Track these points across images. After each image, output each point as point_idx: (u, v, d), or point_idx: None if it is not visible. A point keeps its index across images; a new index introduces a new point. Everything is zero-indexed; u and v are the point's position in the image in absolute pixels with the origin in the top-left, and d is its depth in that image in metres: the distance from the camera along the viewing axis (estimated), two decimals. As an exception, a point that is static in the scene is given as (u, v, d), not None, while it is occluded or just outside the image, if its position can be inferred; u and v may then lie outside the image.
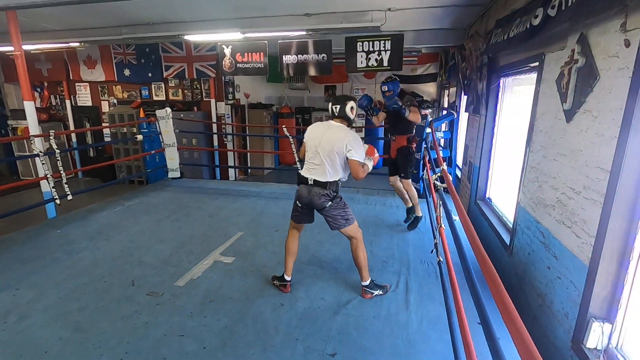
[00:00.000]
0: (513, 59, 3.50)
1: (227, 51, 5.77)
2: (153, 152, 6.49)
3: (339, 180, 2.63)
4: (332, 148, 2.51)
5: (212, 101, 7.83)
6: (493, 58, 4.12)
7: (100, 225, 4.16)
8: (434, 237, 2.69)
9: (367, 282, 2.73)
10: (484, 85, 4.23)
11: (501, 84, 4.09)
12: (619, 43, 1.77)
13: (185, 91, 7.97)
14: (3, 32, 4.76)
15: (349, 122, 2.66)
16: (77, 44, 6.30)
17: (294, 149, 5.89)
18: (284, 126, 5.97)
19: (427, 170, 4.15)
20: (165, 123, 5.85)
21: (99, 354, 2.13)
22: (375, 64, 5.32)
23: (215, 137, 7.99)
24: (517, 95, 3.86)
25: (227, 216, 4.50)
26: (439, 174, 2.46)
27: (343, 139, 2.49)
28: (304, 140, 2.72)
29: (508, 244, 3.27)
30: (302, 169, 2.71)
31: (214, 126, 8.00)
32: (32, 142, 4.17)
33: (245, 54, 5.74)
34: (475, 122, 4.81)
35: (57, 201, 4.27)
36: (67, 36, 6.02)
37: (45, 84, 8.56)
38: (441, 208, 2.38)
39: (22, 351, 2.15)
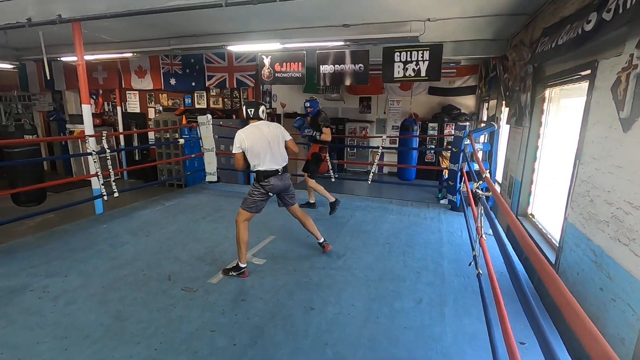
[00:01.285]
0: (561, 67, 3.34)
1: (267, 61, 5.97)
2: (193, 156, 6.78)
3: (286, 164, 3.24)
4: (279, 139, 3.15)
5: (250, 110, 8.07)
6: (538, 68, 3.96)
7: (142, 222, 4.37)
8: (473, 249, 2.58)
9: (322, 239, 3.54)
10: (528, 96, 4.06)
11: (547, 94, 3.90)
12: (686, 45, 1.64)
13: (225, 100, 8.30)
14: (68, 44, 5.22)
15: (262, 120, 3.21)
16: (131, 55, 6.81)
17: (327, 157, 5.92)
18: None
19: (464, 182, 4.03)
20: (206, 129, 6.11)
21: (135, 342, 2.21)
22: (412, 74, 5.28)
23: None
24: (564, 106, 3.67)
25: (260, 220, 4.56)
26: (480, 182, 2.37)
27: (277, 128, 3.19)
28: (246, 147, 3.05)
29: (553, 262, 3.06)
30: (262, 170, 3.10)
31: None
32: (86, 141, 4.50)
33: (284, 63, 5.90)
34: (518, 135, 4.61)
35: (105, 197, 4.55)
36: (122, 47, 6.52)
37: (100, 92, 9.26)
38: (482, 218, 2.28)
39: (67, 333, 2.28)
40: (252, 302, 2.68)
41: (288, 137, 3.23)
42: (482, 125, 7.60)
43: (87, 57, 5.82)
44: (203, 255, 3.48)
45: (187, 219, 4.58)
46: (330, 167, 6.04)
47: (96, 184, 4.59)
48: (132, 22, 5.00)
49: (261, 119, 3.17)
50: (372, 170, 6.00)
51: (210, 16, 4.71)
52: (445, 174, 8.07)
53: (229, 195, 5.83)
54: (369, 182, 5.94)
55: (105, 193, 4.57)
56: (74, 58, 4.76)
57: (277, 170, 3.11)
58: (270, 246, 3.74)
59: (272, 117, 8.78)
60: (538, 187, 4.06)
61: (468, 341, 2.27)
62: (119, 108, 9.09)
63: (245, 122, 3.24)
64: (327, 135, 4.61)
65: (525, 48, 4.21)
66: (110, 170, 4.66)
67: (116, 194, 4.69)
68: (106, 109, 9.41)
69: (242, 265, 3.06)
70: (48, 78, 6.83)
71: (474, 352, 2.17)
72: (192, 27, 5.48)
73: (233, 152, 3.11)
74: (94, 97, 9.25)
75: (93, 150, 4.45)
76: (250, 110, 3.15)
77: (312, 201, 5.13)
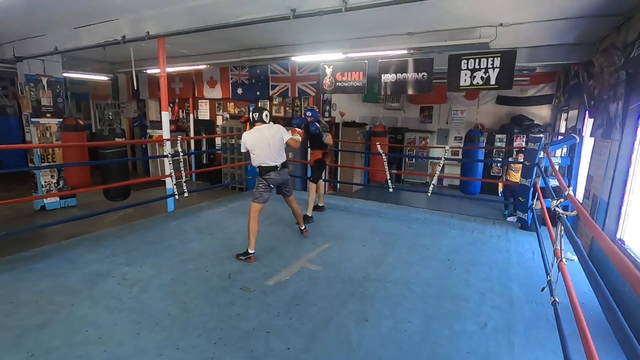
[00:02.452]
0: (664, 73, 2.91)
1: (329, 70, 6.08)
2: (254, 161, 7.11)
3: (287, 161, 3.81)
4: (277, 139, 3.59)
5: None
6: (633, 74, 3.49)
7: (207, 222, 4.67)
8: (547, 274, 2.33)
9: (304, 226, 4.18)
10: (619, 106, 3.60)
11: (645, 104, 3.42)
12: None
13: (287, 108, 8.61)
14: (153, 58, 5.83)
15: (265, 124, 3.66)
16: (204, 67, 7.39)
17: (386, 167, 5.83)
18: (377, 143, 5.96)
19: (538, 199, 3.68)
20: (268, 136, 6.37)
21: (197, 334, 2.35)
22: (480, 82, 4.99)
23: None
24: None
25: (316, 226, 4.63)
26: (562, 200, 2.14)
27: (278, 131, 3.63)
28: (248, 148, 3.61)
29: (649, 296, 2.64)
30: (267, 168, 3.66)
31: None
32: (164, 145, 4.95)
33: (345, 73, 5.96)
34: (605, 149, 4.09)
35: (176, 197, 4.95)
36: (197, 60, 7.12)
37: (176, 101, 10.17)
38: (563, 240, 2.04)
39: (140, 318, 2.49)
40: (306, 307, 2.70)
41: (287, 137, 3.70)
42: (561, 137, 6.91)
43: (168, 70, 6.43)
44: (261, 257, 3.60)
45: (247, 221, 4.77)
46: (388, 177, 5.92)
47: (169, 184, 5.02)
48: (207, 37, 5.43)
49: (265, 122, 3.64)
50: (433, 182, 5.75)
51: (277, 28, 4.93)
52: (500, 187, 7.47)
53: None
54: (429, 194, 5.71)
55: (176, 193, 4.97)
56: (157, 70, 5.29)
57: (276, 166, 3.64)
58: (326, 253, 3.75)
59: (331, 125, 8.89)
60: (630, 209, 3.56)
61: (541, 376, 2.04)
62: (191, 115, 9.90)
63: (252, 125, 3.72)
64: (330, 139, 4.91)
65: (616, 52, 3.76)
66: (182, 172, 5.06)
67: (186, 194, 5.08)
68: (180, 116, 10.30)
69: (250, 251, 3.54)
70: (135, 88, 7.68)
71: (548, 389, 1.94)
72: (260, 40, 5.79)
73: (241, 151, 3.76)
74: (171, 105, 10.18)
75: (168, 153, 4.88)
76: (255, 115, 3.64)
77: (320, 204, 5.29)
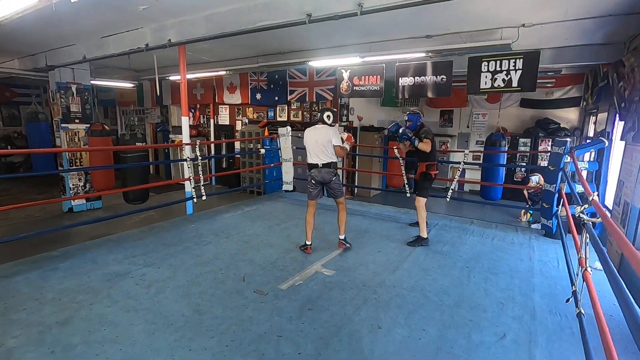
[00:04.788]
0: (702, 72, 2.73)
1: (346, 75, 6.08)
2: (272, 165, 7.17)
3: (335, 162, 3.83)
4: (325, 140, 3.72)
5: (327, 122, 8.29)
6: (668, 74, 3.31)
7: (224, 225, 4.73)
8: (572, 284, 2.21)
9: (343, 237, 4.00)
10: (652, 108, 3.41)
11: (680, 105, 3.23)
12: None
13: (305, 112, 8.65)
14: (174, 65, 6.00)
15: (328, 124, 3.81)
16: (224, 73, 7.56)
17: (403, 172, 5.74)
18: (395, 147, 5.88)
19: (563, 205, 3.53)
20: (285, 140, 6.42)
21: (209, 336, 2.36)
22: (502, 85, 4.85)
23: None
24: None
25: (332, 231, 4.59)
26: (586, 206, 2.03)
27: (326, 136, 3.73)
28: (304, 143, 3.86)
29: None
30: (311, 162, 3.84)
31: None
32: (183, 149, 5.07)
33: (363, 77, 5.94)
34: (637, 153, 3.87)
35: (195, 200, 5.05)
36: (217, 66, 7.29)
37: (198, 106, 10.43)
38: (587, 248, 1.93)
39: (155, 319, 2.54)
40: (318, 312, 2.67)
41: (335, 142, 3.76)
42: (588, 141, 6.61)
43: (189, 76, 6.61)
44: (275, 260, 3.61)
45: (264, 224, 4.82)
46: (405, 182, 5.83)
47: (188, 187, 5.13)
48: (226, 43, 5.55)
49: (325, 123, 3.80)
50: (452, 187, 5.62)
51: (295, 34, 4.98)
52: (525, 193, 7.19)
53: (303, 205, 5.95)
54: (448, 199, 5.58)
55: (195, 196, 5.07)
56: (178, 77, 5.44)
57: (317, 165, 3.78)
58: (340, 258, 3.71)
59: (349, 129, 8.86)
60: (664, 217, 3.34)
61: (564, 392, 1.93)
62: (211, 120, 10.11)
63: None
64: (426, 145, 4.14)
65: (648, 51, 3.57)
66: (201, 176, 5.16)
67: (204, 197, 5.17)
68: (201, 122, 10.54)
69: (307, 243, 3.86)
70: (158, 94, 7.94)
71: (571, 406, 1.83)
72: (278, 45, 5.87)
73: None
74: (192, 110, 10.44)
75: (188, 157, 4.99)
76: (318, 114, 3.90)
77: (422, 235, 4.27)
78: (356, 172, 9.21)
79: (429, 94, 5.45)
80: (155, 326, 2.45)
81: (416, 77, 5.45)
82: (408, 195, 5.76)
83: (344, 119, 8.49)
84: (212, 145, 10.25)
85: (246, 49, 6.10)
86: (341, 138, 3.86)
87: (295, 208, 5.76)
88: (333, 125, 3.89)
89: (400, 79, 5.56)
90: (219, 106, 9.94)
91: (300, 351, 2.23)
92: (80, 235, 4.92)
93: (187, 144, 5.13)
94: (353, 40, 5.43)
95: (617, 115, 4.73)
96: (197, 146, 5.13)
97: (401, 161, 5.76)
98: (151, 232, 4.41)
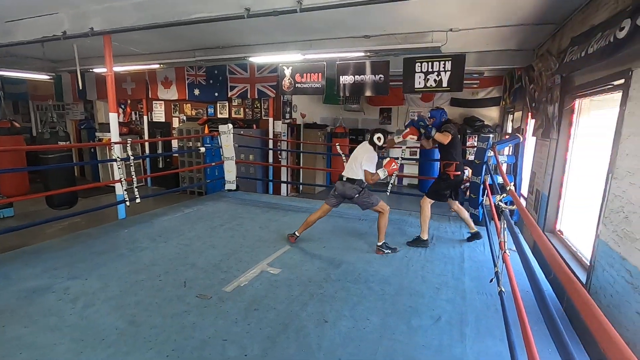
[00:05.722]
0: (591, 77, 3.19)
1: (288, 72, 6.05)
2: (213, 164, 6.90)
3: (361, 179, 3.74)
4: (357, 158, 3.77)
5: (270, 120, 8.19)
6: (567, 78, 3.81)
7: (161, 228, 4.45)
8: (495, 265, 2.45)
9: (381, 243, 3.86)
10: (556, 108, 3.91)
11: (576, 105, 3.74)
12: None
13: (247, 110, 8.45)
14: (100, 56, 5.47)
15: (374, 146, 3.81)
16: (158, 66, 7.07)
17: (345, 168, 5.88)
18: (337, 144, 6.01)
19: (487, 195, 3.89)
20: (227, 137, 6.22)
21: (147, 348, 2.21)
22: (434, 85, 5.20)
23: (270, 154, 8.30)
24: (595, 117, 3.49)
25: (277, 229, 4.57)
26: (504, 195, 2.26)
27: (362, 155, 3.76)
28: None
29: (584, 282, 2.88)
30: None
31: (270, 143, 8.33)
32: (112, 148, 4.66)
33: (304, 74, 5.96)
34: (544, 147, 4.42)
35: (127, 203, 4.67)
36: (149, 59, 6.79)
37: (128, 102, 9.64)
38: (505, 232, 2.17)
39: (83, 335, 2.31)
40: (265, 312, 2.64)
41: (365, 166, 3.72)
42: (507, 137, 7.38)
43: (117, 69, 6.07)
44: (219, 262, 3.49)
45: (206, 226, 4.63)
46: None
47: (119, 189, 4.73)
48: (159, 35, 5.20)
49: (373, 143, 3.81)
50: (391, 182, 5.90)
51: (234, 28, 4.83)
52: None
53: (247, 204, 5.87)
54: (388, 194, 5.85)
55: (127, 199, 4.69)
56: (104, 69, 4.97)
57: (342, 177, 3.84)
58: (286, 256, 3.70)
59: (292, 127, 8.86)
60: (567, 202, 3.86)
61: (490, 364, 2.14)
62: (145, 117, 9.42)
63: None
64: (444, 137, 3.90)
65: (552, 58, 4.08)
66: (133, 177, 4.78)
67: (138, 200, 4.81)
68: (133, 118, 9.77)
69: (296, 234, 4.04)
70: (80, 88, 7.17)
71: (496, 375, 2.04)
72: (216, 39, 5.64)
73: None
74: (122, 106, 9.64)
75: (117, 157, 4.59)
76: (368, 135, 3.92)
77: (473, 231, 4.22)
78: (300, 169, 9.25)
79: (369, 93, 5.64)
80: (83, 344, 2.23)
81: (356, 76, 5.60)
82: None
83: (287, 116, 8.46)
84: (147, 144, 9.56)
85: (182, 41, 5.77)
86: (382, 163, 3.83)
87: (239, 207, 5.62)
88: (380, 149, 3.82)
89: (341, 77, 5.68)
90: (153, 102, 9.29)
91: (247, 353, 2.19)
92: (-14, 248, 4.28)
93: (116, 143, 4.72)
94: (294, 37, 5.42)
95: (529, 113, 5.34)
96: (128, 145, 4.73)
97: (344, 157, 5.90)
98: (77, 240, 3.99)
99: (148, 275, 3.18)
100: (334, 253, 3.82)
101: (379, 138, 3.79)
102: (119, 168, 4.62)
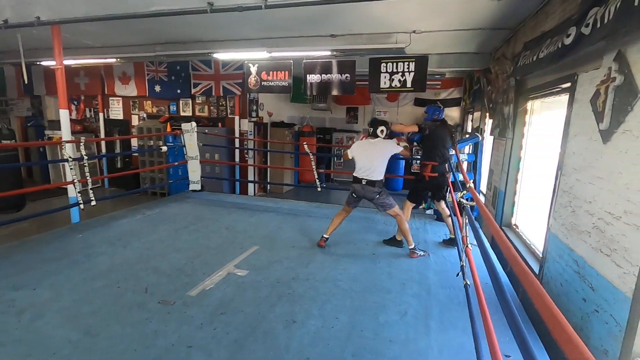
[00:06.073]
0: (542, 80, 3.41)
1: (254, 69, 5.94)
2: (176, 164, 6.64)
3: (380, 180, 3.73)
4: (381, 156, 3.72)
5: (236, 118, 8.02)
6: (520, 81, 4.04)
7: (120, 232, 4.22)
8: (460, 260, 2.55)
9: (412, 246, 3.77)
10: (511, 109, 4.13)
11: (529, 107, 3.98)
12: (662, 59, 1.68)
13: (211, 108, 8.22)
14: (48, 48, 5.08)
15: (384, 136, 3.80)
16: (114, 60, 6.68)
17: (313, 167, 5.88)
18: (304, 143, 6.00)
19: (450, 192, 4.03)
20: (190, 136, 6.00)
21: (105, 359, 2.08)
22: (398, 85, 5.32)
23: (237, 153, 8.13)
24: (546, 118, 3.73)
25: (244, 230, 4.48)
26: (464, 192, 2.36)
27: (387, 148, 3.76)
28: (351, 154, 3.86)
29: (537, 273, 3.07)
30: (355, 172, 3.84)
31: (237, 141, 8.15)
32: (63, 147, 4.34)
33: (271, 72, 5.88)
34: (501, 146, 4.67)
35: (81, 206, 4.38)
36: (105, 53, 6.39)
37: (82, 98, 9.05)
38: (467, 228, 2.26)
39: (31, 350, 2.13)
40: (232, 315, 2.58)
41: (397, 149, 3.79)
42: (467, 136, 7.72)
43: (68, 62, 5.67)
44: (183, 266, 3.36)
45: (169, 228, 4.44)
46: (316, 177, 5.99)
47: (72, 191, 4.42)
48: (114, 27, 4.91)
49: (377, 137, 3.79)
50: (359, 180, 5.97)
51: (197, 23, 4.67)
52: None
53: (213, 205, 5.71)
54: (319, 189, 5.89)
55: (81, 201, 4.39)
56: (54, 62, 4.62)
57: (362, 179, 3.73)
58: (253, 257, 3.64)
59: (259, 126, 8.74)
60: (521, 198, 4.10)
61: (454, 355, 2.23)
62: (101, 114, 8.89)
63: None
64: (399, 127, 4.17)
65: (507, 61, 4.30)
66: (88, 178, 4.49)
67: (93, 202, 4.51)
68: (88, 115, 9.19)
69: (325, 236, 3.95)
70: (26, 83, 6.63)
71: (459, 366, 2.13)
72: (178, 34, 5.41)
73: (347, 151, 3.94)
74: (75, 103, 9.04)
75: (69, 157, 4.29)
76: (370, 129, 3.87)
77: (451, 236, 4.16)
78: (268, 169, 9.14)
79: (335, 92, 5.67)
80: (31, 359, 2.05)
81: (323, 75, 5.61)
82: (319, 189, 5.94)
83: (254, 114, 8.33)
84: (103, 143, 9.02)
85: (141, 35, 5.49)
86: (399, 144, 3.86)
87: (204, 208, 5.45)
88: (391, 138, 3.82)
89: (308, 75, 5.66)
90: (110, 98, 8.79)
91: (213, 358, 2.13)
92: None
93: (68, 142, 4.40)
94: (260, 34, 5.33)
95: (487, 114, 5.61)
96: (82, 144, 4.42)
97: (311, 156, 5.90)
98: (23, 247, 3.68)
99: (105, 282, 2.99)
100: (302, 252, 3.80)
101: (382, 131, 3.79)
102: (71, 169, 4.31)
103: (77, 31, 5.04)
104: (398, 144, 3.84)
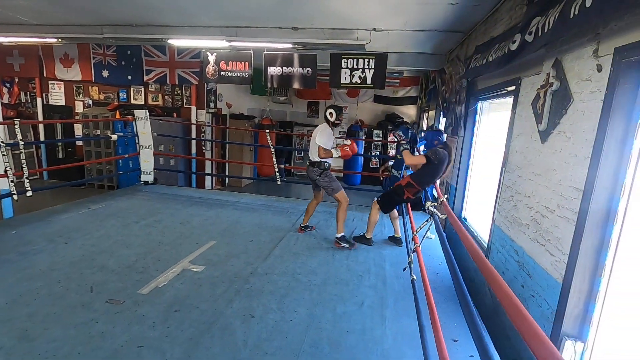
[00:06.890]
0: (491, 83, 3.64)
1: (212, 58, 5.72)
2: (127, 156, 6.24)
3: (319, 161, 3.79)
4: (314, 139, 3.77)
5: (193, 108, 7.69)
6: (472, 82, 4.28)
7: (62, 228, 3.90)
8: (408, 256, 2.66)
9: (340, 235, 3.84)
10: (463, 108, 4.37)
11: (479, 107, 4.23)
12: (592, 68, 1.86)
13: (166, 97, 7.81)
14: (-26, 21, 4.53)
15: (328, 122, 3.83)
16: (54, 40, 6.08)
17: (274, 160, 5.82)
18: (267, 131, 5.91)
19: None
20: (143, 124, 5.67)
21: (45, 365, 1.93)
22: (358, 81, 5.41)
23: (193, 145, 7.81)
24: (494, 118, 3.99)
25: (200, 224, 4.34)
26: (435, 203, 2.50)
27: (316, 133, 3.78)
28: None
29: (482, 262, 3.29)
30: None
31: (193, 132, 7.83)
32: (-7, 134, 3.90)
33: (230, 62, 5.71)
34: (453, 144, 4.92)
35: (15, 197, 3.97)
36: (44, 31, 5.80)
37: (16, 80, 8.19)
38: (430, 228, 2.38)
39: (-46, 360, 1.92)
40: (187, 312, 2.49)
41: (318, 141, 3.73)
42: (423, 134, 8.04)
43: (-1, 39, 5.09)
44: (133, 263, 3.18)
45: (117, 223, 4.17)
46: (276, 170, 5.94)
47: (4, 183, 3.99)
48: (55, 3, 4.49)
49: (327, 120, 3.83)
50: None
51: (150, 5, 4.40)
52: (381, 178, 8.41)
53: (167, 198, 5.45)
54: (278, 183, 5.91)
55: (15, 192, 3.97)
56: (-20, 38, 4.12)
57: (308, 162, 3.90)
58: (210, 252, 3.54)
59: (217, 117, 8.46)
60: (471, 193, 4.37)
61: (407, 341, 2.33)
62: (39, 99, 8.10)
63: None
64: (410, 158, 3.47)
65: (460, 63, 4.53)
66: (24, 165, 4.06)
67: (29, 193, 4.11)
68: (23, 100, 8.34)
69: (302, 225, 4.21)
70: (-53, 59, 5.86)
71: (412, 352, 2.23)
72: (129, 16, 5.05)
73: None
74: (8, 85, 8.16)
75: (2, 141, 3.85)
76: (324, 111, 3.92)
77: (397, 236, 4.10)
78: (227, 163, 8.90)
79: (296, 85, 5.64)
80: (-46, 369, 1.85)
81: (284, 68, 5.55)
82: (279, 183, 5.90)
83: (212, 105, 8.05)
84: (41, 129, 8.24)
85: (86, 14, 5.05)
86: (338, 144, 3.87)
87: (157, 202, 5.19)
88: (335, 125, 3.80)
89: (268, 67, 5.57)
90: (50, 82, 8.03)
91: (167, 358, 2.05)
92: None
93: (-1, 127, 3.96)
94: (219, 22, 5.13)
95: (442, 112, 5.89)
96: (17, 126, 3.97)
97: (272, 149, 5.83)
98: (-56, 245, 3.28)
99: (45, 282, 2.76)
100: (260, 247, 3.76)
101: (330, 114, 3.77)
102: (3, 155, 3.88)
103: (9, 5, 4.53)
104: (332, 144, 3.79)
